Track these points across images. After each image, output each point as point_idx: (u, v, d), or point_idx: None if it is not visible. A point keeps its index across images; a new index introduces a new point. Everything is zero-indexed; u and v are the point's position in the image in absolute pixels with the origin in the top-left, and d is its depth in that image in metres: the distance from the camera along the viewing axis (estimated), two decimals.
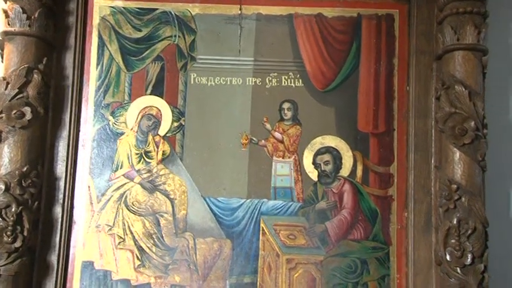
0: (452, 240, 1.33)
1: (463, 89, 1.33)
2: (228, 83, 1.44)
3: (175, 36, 1.42)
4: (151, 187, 1.37)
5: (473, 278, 1.30)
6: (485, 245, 1.31)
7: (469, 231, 1.32)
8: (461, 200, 1.33)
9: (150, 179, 1.37)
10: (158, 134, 1.40)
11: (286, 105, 1.45)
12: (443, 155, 1.38)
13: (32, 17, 1.28)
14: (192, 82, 1.43)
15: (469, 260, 1.30)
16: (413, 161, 1.43)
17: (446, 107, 1.37)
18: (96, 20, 1.39)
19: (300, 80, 1.46)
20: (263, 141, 1.44)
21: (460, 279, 1.31)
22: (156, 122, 1.40)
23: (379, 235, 1.43)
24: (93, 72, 1.38)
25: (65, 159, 1.33)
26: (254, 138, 1.44)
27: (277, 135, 1.46)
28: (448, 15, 1.33)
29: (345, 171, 1.44)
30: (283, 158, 1.44)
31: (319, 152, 1.44)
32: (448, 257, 1.33)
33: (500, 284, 1.44)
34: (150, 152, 1.38)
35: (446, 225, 1.34)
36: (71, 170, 1.33)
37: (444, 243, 1.34)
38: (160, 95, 1.41)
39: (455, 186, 1.33)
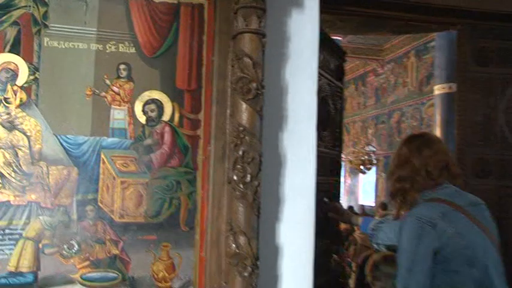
0: (238, 166, 1.62)
1: (249, 60, 1.62)
2: (76, 47, 1.63)
3: (29, 6, 1.59)
4: (10, 126, 1.57)
5: (251, 190, 1.61)
6: (259, 168, 1.63)
7: (249, 160, 1.62)
8: (245, 138, 1.62)
9: (10, 120, 1.57)
10: (16, 84, 1.58)
11: (122, 67, 1.66)
12: (235, 106, 1.66)
13: None
14: (45, 45, 1.61)
15: (248, 179, 1.61)
16: (215, 110, 1.71)
17: (238, 72, 1.64)
18: None
19: (133, 48, 1.67)
20: (104, 93, 1.64)
21: (242, 192, 1.61)
22: (14, 74, 1.58)
23: (190, 163, 1.71)
24: None
25: None
26: (97, 91, 1.64)
27: (115, 89, 1.66)
28: (240, 8, 1.63)
29: (165, 117, 1.69)
30: (119, 106, 1.66)
31: (147, 103, 1.68)
32: (235, 177, 1.62)
33: (268, 193, 1.79)
34: (8, 98, 1.57)
35: (234, 155, 1.64)
36: None
37: (233, 168, 1.64)
38: (18, 53, 1.59)
39: (242, 128, 1.62)
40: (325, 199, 2.43)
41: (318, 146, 1.95)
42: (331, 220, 2.52)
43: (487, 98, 2.75)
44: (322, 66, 1.92)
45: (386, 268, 2.46)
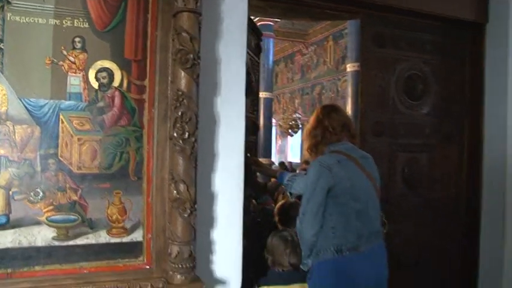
0: (178, 125, 1.82)
1: (187, 35, 1.81)
2: (36, 22, 1.75)
3: None
4: None
5: (188, 146, 1.84)
6: (196, 127, 1.84)
7: (187, 120, 1.83)
8: (184, 101, 1.82)
9: None
10: None
11: (77, 39, 1.80)
12: (175, 74, 1.84)
13: None
14: (8, 19, 1.73)
15: (186, 136, 1.83)
16: (158, 78, 1.88)
17: (178, 45, 1.82)
18: None
19: (87, 23, 1.81)
20: (61, 62, 1.78)
21: (181, 147, 1.82)
22: None
23: (137, 123, 1.88)
24: None
25: None
26: (55, 60, 1.77)
27: (71, 58, 1.79)
28: None
29: (115, 83, 1.85)
30: (75, 73, 1.80)
31: (99, 71, 1.83)
32: (175, 134, 1.83)
33: (205, 149, 2.04)
34: None
35: (175, 116, 1.83)
36: None
37: (173, 126, 1.83)
38: None
39: (181, 93, 1.82)
40: (248, 154, 2.80)
41: None
42: (253, 172, 2.93)
43: (382, 73, 3.26)
44: (246, 44, 2.22)
45: (292, 212, 2.91)
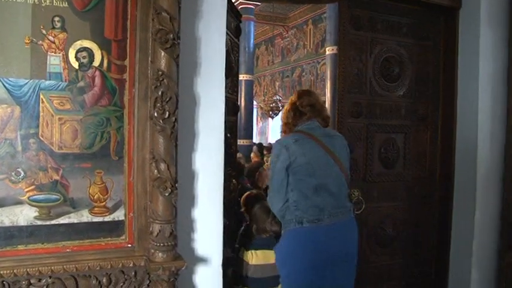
0: (158, 104, 1.84)
1: (167, 15, 1.82)
2: (14, 0, 1.74)
3: None
4: None
5: (169, 125, 1.85)
6: (176, 106, 1.86)
7: (167, 99, 1.84)
8: (164, 81, 1.83)
9: None
10: None
11: (56, 19, 1.79)
12: (155, 54, 1.84)
13: None
14: None
15: (166, 115, 1.85)
16: (138, 57, 1.88)
17: (157, 25, 1.82)
18: None
19: (66, 3, 1.80)
20: (41, 41, 1.77)
21: (162, 126, 1.85)
22: None
23: (118, 102, 1.89)
24: None
25: None
26: (34, 39, 1.76)
27: (50, 38, 1.79)
28: None
29: (96, 63, 1.85)
30: (55, 53, 1.79)
31: (79, 50, 1.83)
32: (155, 114, 1.85)
33: (186, 128, 2.06)
34: None
35: (155, 95, 1.84)
36: None
37: (154, 106, 1.85)
38: None
39: (161, 73, 1.83)
40: (228, 134, 2.86)
41: None
42: (234, 152, 3.00)
43: (360, 56, 3.34)
44: (226, 25, 2.23)
45: (257, 203, 3.03)
